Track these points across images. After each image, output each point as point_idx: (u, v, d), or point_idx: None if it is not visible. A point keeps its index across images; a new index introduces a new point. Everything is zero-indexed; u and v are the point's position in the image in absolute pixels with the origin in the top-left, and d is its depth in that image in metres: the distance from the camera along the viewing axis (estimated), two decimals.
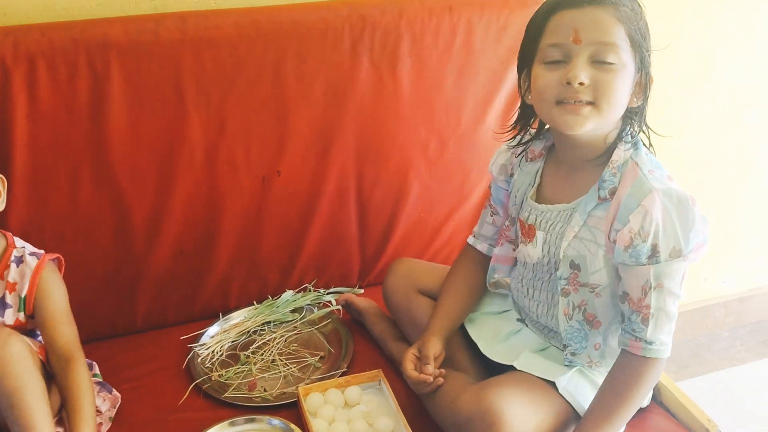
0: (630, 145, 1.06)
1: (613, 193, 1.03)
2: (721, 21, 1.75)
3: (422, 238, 1.59)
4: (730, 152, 1.94)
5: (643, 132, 1.09)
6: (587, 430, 1.04)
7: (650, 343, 1.01)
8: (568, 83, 0.99)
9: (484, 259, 1.30)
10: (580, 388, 1.11)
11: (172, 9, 1.33)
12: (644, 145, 1.08)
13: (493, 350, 1.21)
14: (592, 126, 1.01)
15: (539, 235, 1.13)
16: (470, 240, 1.33)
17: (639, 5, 1.03)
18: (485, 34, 1.43)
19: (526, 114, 1.17)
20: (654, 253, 0.99)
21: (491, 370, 1.18)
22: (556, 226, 1.11)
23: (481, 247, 1.31)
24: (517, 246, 1.20)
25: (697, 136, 1.87)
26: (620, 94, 1.00)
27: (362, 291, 1.56)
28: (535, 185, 1.17)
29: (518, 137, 1.20)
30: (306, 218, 1.49)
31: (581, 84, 0.98)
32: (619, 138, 1.06)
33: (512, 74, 1.44)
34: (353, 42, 1.36)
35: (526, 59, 1.09)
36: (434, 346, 1.18)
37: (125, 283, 1.41)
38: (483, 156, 1.53)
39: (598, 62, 0.99)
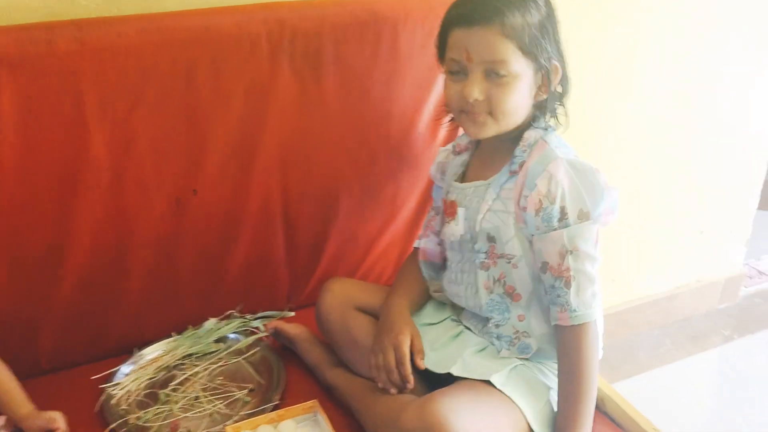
0: (541, 129, 1.11)
1: (521, 166, 1.09)
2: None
3: (354, 255, 1.51)
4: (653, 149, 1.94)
5: (555, 118, 1.14)
6: (564, 426, 1.05)
7: (575, 310, 1.04)
8: (466, 98, 1.05)
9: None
10: (514, 380, 1.09)
11: (68, 16, 1.20)
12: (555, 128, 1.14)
13: (431, 360, 1.16)
14: (493, 132, 1.09)
15: (460, 211, 1.16)
16: (416, 243, 1.32)
17: (532, 5, 1.05)
18: (411, 40, 1.35)
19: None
20: (563, 215, 1.04)
21: (435, 383, 1.12)
22: (473, 202, 1.14)
23: (425, 247, 1.30)
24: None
25: (615, 137, 1.86)
26: (515, 102, 1.06)
27: (293, 314, 1.46)
28: (459, 173, 1.21)
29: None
30: (227, 240, 1.37)
31: (476, 99, 1.05)
32: (529, 124, 1.12)
33: (440, 81, 1.38)
34: (272, 49, 1.26)
35: (442, 65, 1.14)
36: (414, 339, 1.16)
37: (26, 321, 1.26)
38: (414, 166, 1.46)
39: (492, 76, 1.05)
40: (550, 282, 1.06)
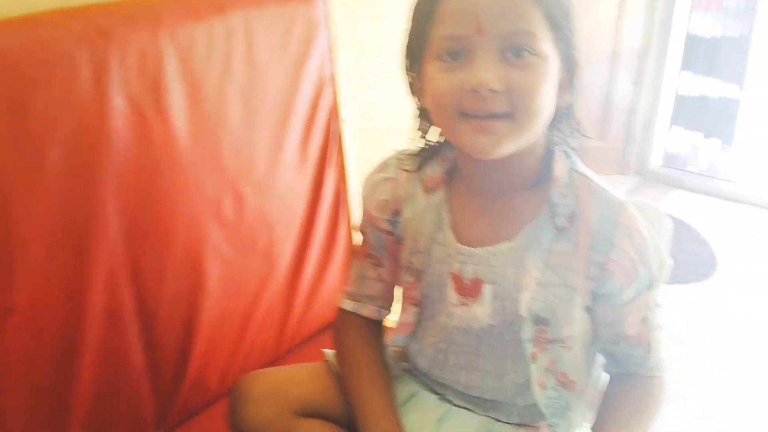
0: (562, 153, 0.82)
1: (572, 219, 0.79)
2: None
3: (231, 335, 1.13)
4: None
5: (576, 135, 0.83)
6: None
7: (656, 366, 0.86)
8: (474, 90, 0.72)
9: (372, 330, 0.95)
10: None
11: None
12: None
13: None
14: (514, 147, 0.75)
15: (487, 289, 0.82)
16: (348, 305, 0.95)
17: None
18: (268, 39, 1.04)
19: (423, 120, 0.85)
20: (651, 274, 0.81)
21: None
22: (506, 274, 0.81)
23: (369, 311, 0.95)
24: (435, 306, 0.87)
25: None
26: (544, 96, 0.75)
27: None
28: (447, 223, 0.85)
29: (417, 159, 0.87)
30: (65, 363, 0.92)
31: (492, 91, 0.72)
32: (551, 146, 0.82)
33: (305, 89, 1.10)
34: (96, 72, 0.86)
35: (414, 53, 0.79)
36: None
37: None
38: (284, 202, 1.15)
39: (510, 58, 0.73)
40: (626, 351, 0.85)
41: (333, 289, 1.27)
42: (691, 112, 2.99)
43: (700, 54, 2.92)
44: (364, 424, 0.87)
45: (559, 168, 0.80)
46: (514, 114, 0.73)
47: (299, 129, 1.13)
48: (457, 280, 0.84)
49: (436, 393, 0.92)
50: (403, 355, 0.96)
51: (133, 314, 0.98)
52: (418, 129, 0.86)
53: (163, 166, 0.96)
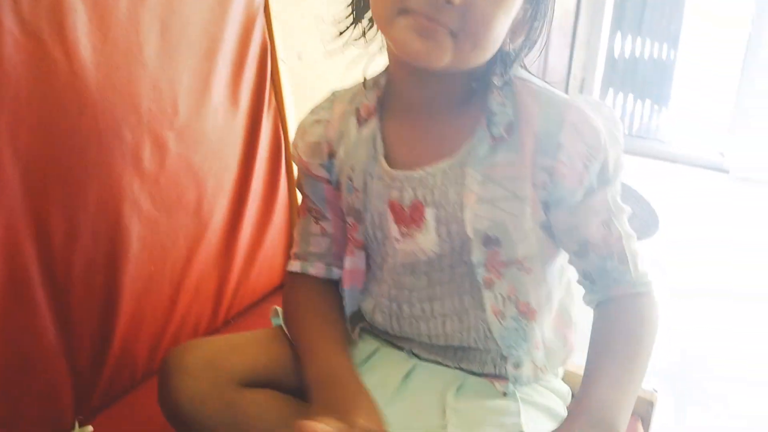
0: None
1: (510, 127, 0.72)
2: None
3: (160, 305, 0.99)
4: None
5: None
6: (612, 417, 0.68)
7: (637, 282, 0.75)
8: None
9: (324, 287, 0.86)
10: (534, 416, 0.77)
11: None
12: None
13: (395, 420, 0.75)
14: (447, 64, 0.68)
15: (429, 214, 0.75)
16: (295, 266, 0.87)
17: None
18: None
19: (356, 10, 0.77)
20: (603, 171, 0.72)
21: None
22: (448, 195, 0.74)
23: (316, 269, 0.86)
24: (381, 248, 0.80)
25: None
26: (498, 28, 0.68)
27: (91, 429, 0.90)
28: (380, 153, 0.77)
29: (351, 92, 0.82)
30: None
31: (449, 1, 0.64)
32: (490, 68, 0.74)
33: (233, 20, 0.96)
34: None
35: None
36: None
37: None
38: (213, 152, 1.01)
39: None
40: (598, 264, 0.75)
41: (274, 251, 1.15)
42: (624, 74, 2.97)
43: (633, 15, 2.90)
44: (320, 389, 0.75)
45: (498, 76, 0.73)
46: (459, 36, 0.66)
47: (227, 66, 0.99)
48: (396, 208, 0.76)
49: (401, 349, 0.84)
50: (361, 315, 0.86)
51: (40, 282, 0.82)
52: (349, 18, 0.77)
53: (67, 103, 0.81)
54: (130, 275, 0.93)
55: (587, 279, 0.77)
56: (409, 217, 0.76)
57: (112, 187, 0.88)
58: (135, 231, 0.92)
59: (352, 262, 0.83)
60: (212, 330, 1.10)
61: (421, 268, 0.78)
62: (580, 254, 0.76)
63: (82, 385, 0.91)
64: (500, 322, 0.77)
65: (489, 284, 0.76)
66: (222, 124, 1.00)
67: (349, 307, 0.84)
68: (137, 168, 0.90)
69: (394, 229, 0.77)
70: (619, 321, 0.75)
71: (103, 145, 0.85)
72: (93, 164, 0.85)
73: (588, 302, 0.78)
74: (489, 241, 0.74)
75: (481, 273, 0.75)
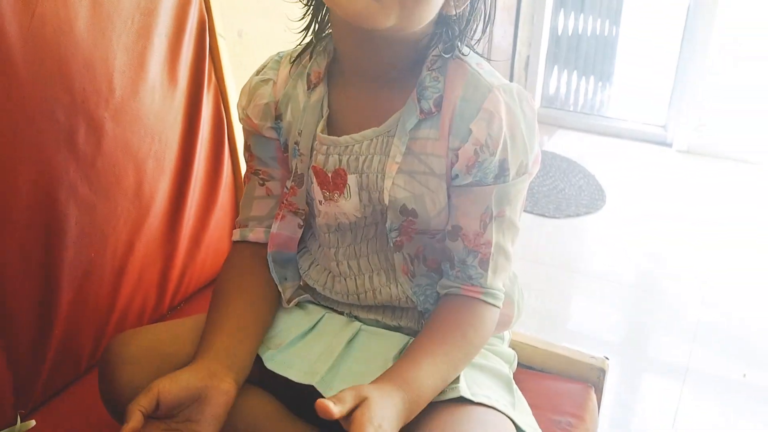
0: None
1: (439, 103, 0.74)
2: None
3: (101, 293, 0.96)
4: None
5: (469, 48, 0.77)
6: (431, 390, 0.71)
7: (490, 290, 0.78)
8: None
9: (259, 256, 0.85)
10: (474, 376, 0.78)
11: None
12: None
13: (333, 387, 0.75)
14: (392, 22, 0.67)
15: (352, 180, 0.77)
16: (235, 235, 0.87)
17: None
18: None
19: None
20: (502, 170, 0.74)
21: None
22: (372, 162, 0.76)
23: (256, 234, 0.86)
24: (311, 213, 0.82)
25: None
26: None
27: (33, 423, 0.87)
28: (323, 119, 0.78)
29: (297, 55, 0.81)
30: None
31: None
32: (434, 39, 0.74)
33: None
34: None
35: None
36: (223, 386, 0.71)
37: None
38: (152, 132, 0.98)
39: None
40: (461, 255, 0.77)
41: (220, 233, 1.12)
42: (569, 51, 3.00)
43: None
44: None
45: (436, 53, 0.74)
46: None
47: (163, 43, 0.96)
48: (318, 173, 0.77)
49: (342, 314, 0.85)
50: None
51: None
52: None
53: None
54: (68, 262, 0.89)
55: (448, 262, 0.78)
56: (332, 182, 0.77)
57: (46, 172, 0.84)
58: (72, 216, 0.88)
59: (280, 226, 0.83)
60: (158, 317, 1.07)
61: (345, 226, 0.80)
62: (451, 236, 0.77)
63: (22, 378, 0.88)
64: (410, 280, 0.80)
65: (399, 247, 0.78)
66: (160, 102, 0.96)
67: (273, 273, 0.83)
68: (72, 151, 0.86)
69: (317, 192, 0.79)
70: (461, 318, 0.76)
71: (35, 127, 0.81)
72: (25, 148, 0.81)
73: (440, 287, 0.80)
74: (406, 211, 0.76)
75: (393, 237, 0.78)
